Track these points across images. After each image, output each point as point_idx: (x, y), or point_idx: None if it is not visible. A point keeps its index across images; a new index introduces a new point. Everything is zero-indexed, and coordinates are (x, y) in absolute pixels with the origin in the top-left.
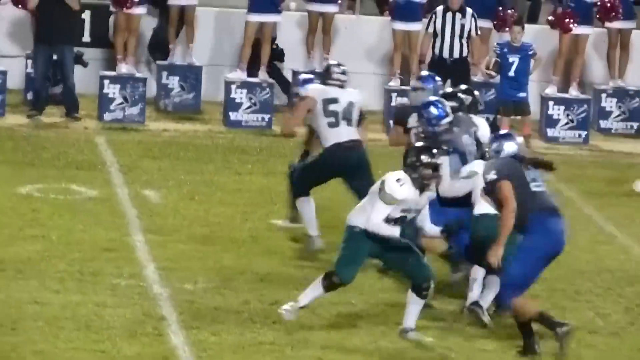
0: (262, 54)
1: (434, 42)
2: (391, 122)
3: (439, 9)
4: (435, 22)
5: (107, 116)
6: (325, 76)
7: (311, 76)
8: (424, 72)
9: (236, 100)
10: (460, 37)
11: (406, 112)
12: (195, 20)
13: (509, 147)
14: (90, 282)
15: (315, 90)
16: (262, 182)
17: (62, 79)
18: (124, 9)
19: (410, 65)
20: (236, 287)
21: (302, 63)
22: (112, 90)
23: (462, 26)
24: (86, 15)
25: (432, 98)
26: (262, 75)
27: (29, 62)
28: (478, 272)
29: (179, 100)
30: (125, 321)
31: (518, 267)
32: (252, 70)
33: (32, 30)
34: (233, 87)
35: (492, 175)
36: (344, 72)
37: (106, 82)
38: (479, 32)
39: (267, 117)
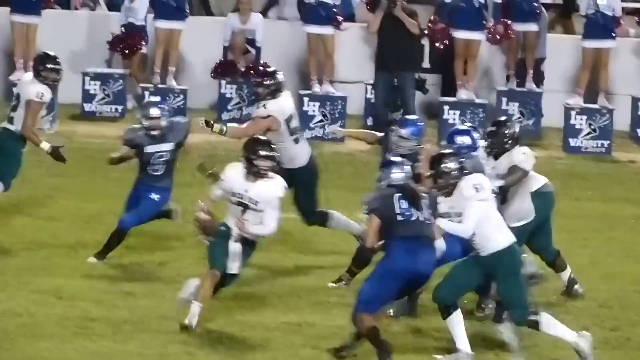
0: (600, 80)
1: None
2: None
3: None
4: None
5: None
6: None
7: None
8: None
9: (576, 127)
10: None
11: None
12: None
13: (395, 176)
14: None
15: None
16: (601, 208)
17: (402, 105)
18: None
19: None
20: (576, 313)
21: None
22: (452, 116)
23: None
24: (426, 41)
25: (464, 127)
26: (601, 101)
27: (369, 87)
28: None
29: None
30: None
31: (370, 285)
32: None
33: (374, 56)
34: (573, 113)
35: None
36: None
37: (446, 107)
38: None
39: (605, 143)
